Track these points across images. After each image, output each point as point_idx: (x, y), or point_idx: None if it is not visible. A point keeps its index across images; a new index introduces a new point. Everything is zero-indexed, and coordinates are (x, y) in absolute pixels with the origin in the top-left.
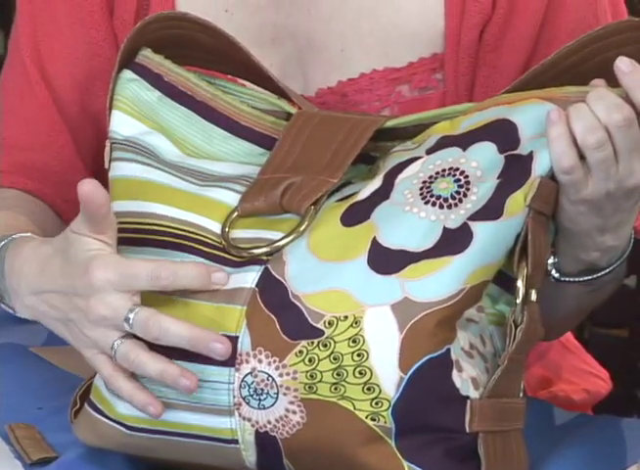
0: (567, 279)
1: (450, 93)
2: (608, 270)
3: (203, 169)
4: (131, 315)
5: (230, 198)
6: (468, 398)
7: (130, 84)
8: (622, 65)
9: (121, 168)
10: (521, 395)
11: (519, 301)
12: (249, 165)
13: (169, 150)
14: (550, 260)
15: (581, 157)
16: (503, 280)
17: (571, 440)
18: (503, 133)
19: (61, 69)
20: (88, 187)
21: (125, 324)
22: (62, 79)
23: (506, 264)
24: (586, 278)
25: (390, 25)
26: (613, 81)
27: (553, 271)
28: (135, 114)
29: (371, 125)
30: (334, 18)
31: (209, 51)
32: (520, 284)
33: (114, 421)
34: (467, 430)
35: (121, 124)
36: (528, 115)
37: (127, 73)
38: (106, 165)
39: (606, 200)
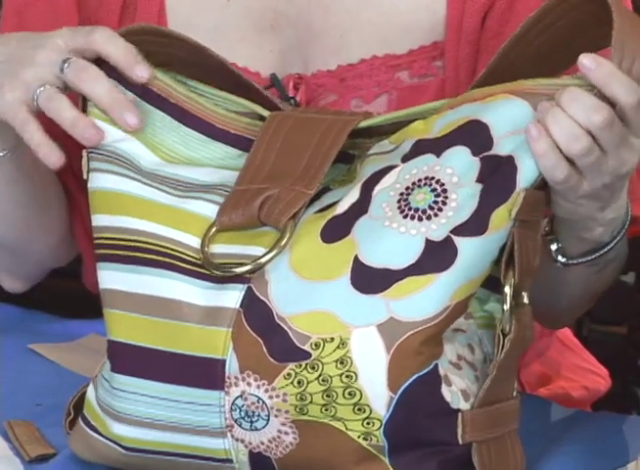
0: (573, 262)
1: (450, 80)
2: (612, 245)
3: (180, 178)
4: (66, 64)
5: (208, 210)
6: (459, 410)
7: None
8: (586, 61)
9: (99, 180)
10: (514, 394)
11: (507, 308)
12: (226, 170)
13: (146, 156)
14: (554, 247)
15: (570, 161)
16: (491, 283)
17: (571, 436)
18: (475, 135)
19: None
20: None
21: (60, 73)
22: None
23: (493, 269)
24: (593, 257)
25: (391, 12)
26: (575, 43)
27: (559, 257)
28: (109, 119)
29: (345, 127)
30: (334, 4)
31: (187, 64)
32: (507, 291)
33: (109, 440)
34: (459, 442)
35: None
36: (499, 112)
37: None
38: (84, 176)
39: (603, 189)
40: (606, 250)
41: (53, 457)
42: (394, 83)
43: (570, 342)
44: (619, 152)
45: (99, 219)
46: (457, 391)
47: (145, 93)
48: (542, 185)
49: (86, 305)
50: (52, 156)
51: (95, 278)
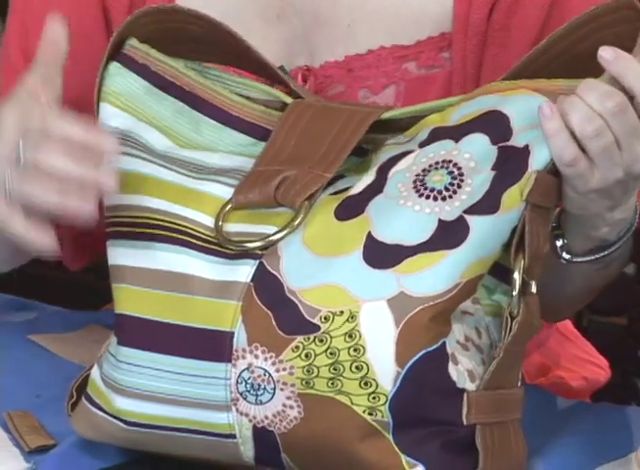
0: (577, 259)
1: (457, 72)
2: (618, 245)
3: (194, 161)
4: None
5: (222, 191)
6: (464, 390)
7: (117, 77)
8: (605, 54)
9: None
10: (519, 384)
11: (515, 293)
12: (240, 156)
13: (160, 141)
14: (559, 243)
15: (583, 149)
16: (499, 271)
17: (571, 427)
18: (495, 125)
19: None
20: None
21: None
22: None
23: (502, 257)
24: (597, 256)
25: (399, 3)
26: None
27: (564, 254)
28: (123, 106)
29: (367, 118)
30: None
31: (202, 42)
32: (516, 276)
33: (112, 416)
34: (464, 422)
35: (110, 117)
36: (519, 106)
37: (114, 66)
38: None
39: (615, 186)
40: (611, 250)
41: (53, 448)
42: (402, 74)
43: (569, 332)
44: (632, 144)
45: (112, 199)
46: (464, 371)
47: (157, 80)
48: (555, 172)
49: (86, 296)
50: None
51: (71, 255)
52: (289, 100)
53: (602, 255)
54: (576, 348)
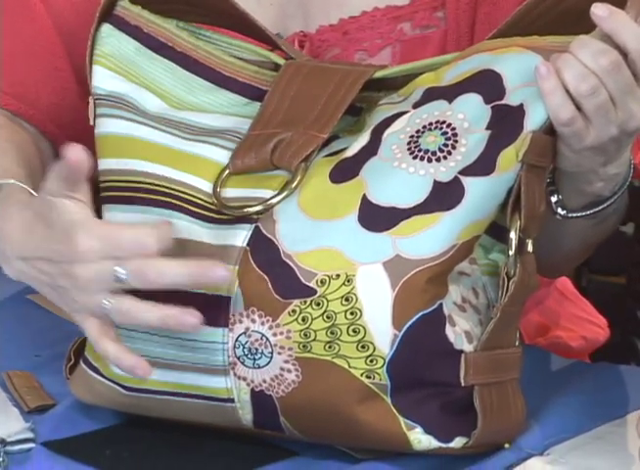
0: (573, 215)
1: (451, 31)
2: (612, 200)
3: (188, 121)
4: (122, 270)
5: (218, 155)
6: (462, 351)
7: (110, 39)
8: (598, 10)
9: (107, 125)
10: (516, 343)
11: (512, 253)
12: (234, 117)
13: (153, 103)
14: (554, 199)
15: (578, 108)
16: (496, 230)
17: (570, 387)
18: (488, 84)
19: None
20: (77, 155)
21: (117, 282)
22: (62, 4)
23: (498, 216)
24: (592, 211)
25: None
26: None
27: (559, 209)
28: (116, 68)
29: (360, 77)
30: None
31: (194, 4)
32: (513, 236)
33: (110, 380)
34: (462, 383)
35: (103, 80)
36: (512, 64)
37: (106, 28)
38: (91, 122)
39: (609, 143)
40: (605, 205)
41: (52, 408)
42: (397, 35)
43: (568, 292)
44: (627, 101)
45: (107, 163)
46: (461, 332)
47: (149, 42)
48: (550, 131)
49: None
50: (135, 369)
51: None
52: (281, 61)
53: (597, 210)
54: (576, 307)
